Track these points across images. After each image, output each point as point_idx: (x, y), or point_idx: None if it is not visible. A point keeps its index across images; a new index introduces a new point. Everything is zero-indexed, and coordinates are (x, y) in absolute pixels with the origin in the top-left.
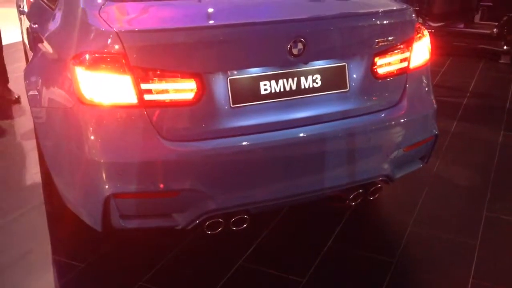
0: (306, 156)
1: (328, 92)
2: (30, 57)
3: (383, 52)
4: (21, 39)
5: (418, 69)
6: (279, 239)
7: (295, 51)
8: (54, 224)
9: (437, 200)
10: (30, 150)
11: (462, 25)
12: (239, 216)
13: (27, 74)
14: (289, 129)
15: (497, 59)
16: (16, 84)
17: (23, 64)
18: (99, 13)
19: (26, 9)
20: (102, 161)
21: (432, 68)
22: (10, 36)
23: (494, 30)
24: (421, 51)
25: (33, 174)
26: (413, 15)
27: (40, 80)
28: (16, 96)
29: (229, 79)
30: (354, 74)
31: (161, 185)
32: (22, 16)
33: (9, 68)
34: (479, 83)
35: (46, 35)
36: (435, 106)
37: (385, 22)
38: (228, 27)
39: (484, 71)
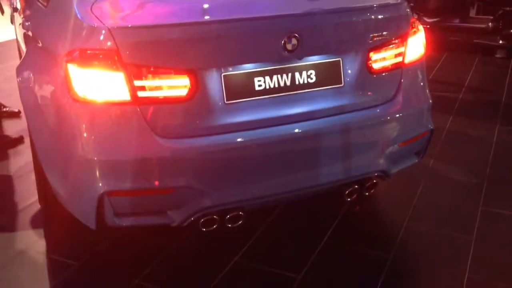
0: (301, 152)
1: (322, 88)
2: (23, 55)
3: (378, 47)
4: (15, 37)
5: (413, 64)
6: (275, 235)
7: (289, 47)
8: (48, 223)
9: (433, 195)
10: (24, 148)
11: (457, 20)
12: (234, 213)
13: (20, 71)
14: (284, 125)
15: (492, 54)
16: (10, 82)
17: (17, 62)
18: (91, 10)
19: (18, 6)
20: (95, 158)
21: (428, 63)
22: (4, 34)
23: (490, 24)
24: (416, 45)
25: (27, 172)
26: (408, 10)
27: (32, 78)
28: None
29: (223, 75)
30: (349, 69)
31: (156, 182)
32: (15, 13)
33: (3, 66)
34: (475, 78)
35: (38, 32)
36: (430, 101)
37: (379, 17)
38: (221, 23)
39: (479, 66)
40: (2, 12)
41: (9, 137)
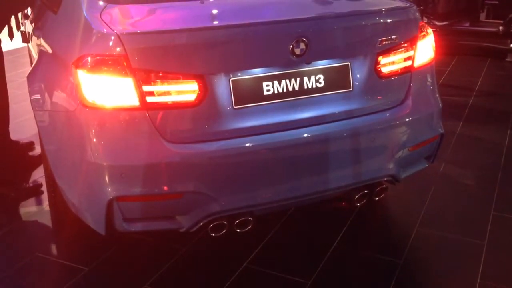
0: (310, 157)
1: (331, 92)
2: (34, 61)
3: (386, 51)
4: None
5: (422, 67)
6: (284, 240)
7: (297, 51)
8: (58, 228)
9: (444, 200)
10: (34, 153)
11: (467, 24)
12: (243, 218)
13: (30, 78)
14: (293, 129)
15: (503, 58)
16: (22, 89)
17: (28, 69)
18: (100, 16)
19: (29, 13)
20: (104, 164)
21: (438, 67)
22: (15, 41)
23: (500, 28)
24: (425, 49)
25: (37, 178)
26: (417, 13)
27: (43, 84)
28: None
29: (231, 80)
30: (358, 73)
31: (164, 188)
32: (26, 21)
33: (15, 73)
34: (485, 82)
35: (48, 38)
36: (440, 104)
37: (388, 20)
38: (229, 28)
39: (490, 70)
40: (11, 37)
41: (20, 143)
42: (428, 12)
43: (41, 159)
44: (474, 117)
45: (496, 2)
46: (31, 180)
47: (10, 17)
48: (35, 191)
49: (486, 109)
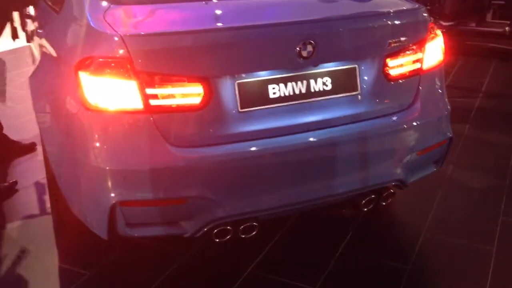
0: (317, 161)
1: (338, 95)
2: (36, 62)
3: (395, 54)
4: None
5: (431, 70)
6: (289, 246)
7: (304, 54)
8: (61, 232)
9: (452, 205)
10: (36, 155)
11: (474, 24)
12: (248, 224)
13: (32, 79)
14: (299, 133)
15: (509, 58)
16: (23, 89)
17: (30, 68)
18: (103, 17)
19: (32, 13)
20: (107, 168)
21: (444, 68)
22: (17, 40)
23: (507, 28)
24: (434, 51)
25: (39, 180)
26: (426, 15)
27: (45, 86)
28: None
29: (237, 83)
30: (365, 76)
31: (168, 192)
32: (28, 20)
33: (17, 72)
34: (492, 83)
35: (51, 39)
36: (449, 108)
37: (396, 22)
38: (235, 30)
39: (496, 71)
40: (14, 38)
41: (21, 144)
42: (434, 12)
43: (32, 147)
44: (481, 119)
45: (503, 2)
46: (30, 182)
47: (10, 14)
48: (10, 190)
49: (493, 111)
